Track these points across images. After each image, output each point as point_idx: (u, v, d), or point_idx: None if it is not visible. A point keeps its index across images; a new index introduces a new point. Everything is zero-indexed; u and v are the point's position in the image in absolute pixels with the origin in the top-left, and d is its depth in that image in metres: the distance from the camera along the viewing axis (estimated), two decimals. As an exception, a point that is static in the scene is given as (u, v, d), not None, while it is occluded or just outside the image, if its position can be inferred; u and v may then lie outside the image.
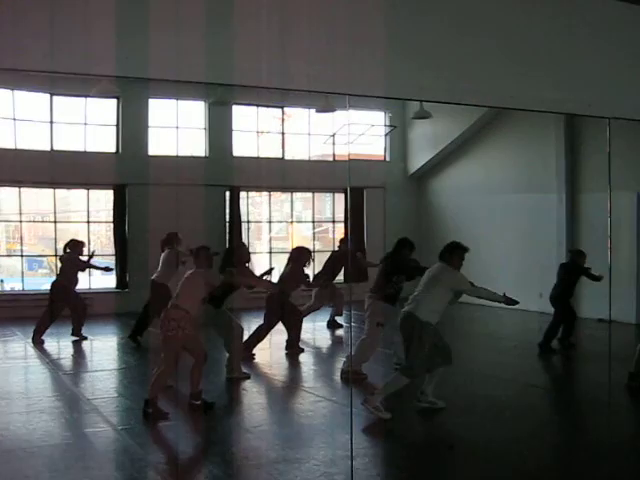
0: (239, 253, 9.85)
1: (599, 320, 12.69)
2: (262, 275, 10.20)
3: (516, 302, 8.13)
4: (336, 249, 15.59)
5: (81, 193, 17.01)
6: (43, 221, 17.82)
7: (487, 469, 6.44)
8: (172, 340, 7.82)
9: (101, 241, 18.32)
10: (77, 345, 12.47)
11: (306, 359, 11.62)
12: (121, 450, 6.99)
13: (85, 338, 12.78)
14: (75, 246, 12.94)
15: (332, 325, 14.49)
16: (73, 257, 12.85)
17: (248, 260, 9.97)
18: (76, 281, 12.92)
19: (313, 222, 19.58)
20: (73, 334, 12.80)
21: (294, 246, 14.14)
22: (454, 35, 6.01)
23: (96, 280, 16.67)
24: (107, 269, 13.97)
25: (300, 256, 11.86)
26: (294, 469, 6.35)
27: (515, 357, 11.64)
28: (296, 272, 11.75)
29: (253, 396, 9.26)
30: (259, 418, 8.36)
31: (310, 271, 13.90)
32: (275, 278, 11.74)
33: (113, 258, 16.51)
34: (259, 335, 11.50)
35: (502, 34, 6.12)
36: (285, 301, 11.64)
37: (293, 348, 11.82)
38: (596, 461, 6.63)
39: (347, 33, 5.52)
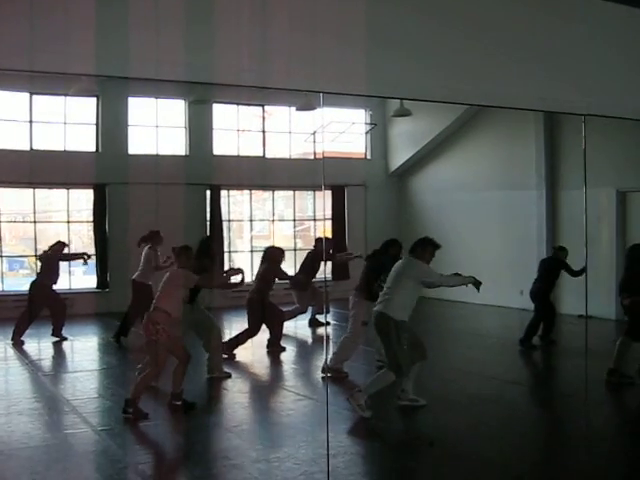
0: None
1: (579, 316, 12.75)
2: (227, 272, 10.03)
3: (481, 283, 8.16)
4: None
5: (61, 193, 16.92)
6: (24, 221, 17.70)
7: (467, 467, 6.47)
8: (155, 343, 7.79)
9: (82, 241, 18.22)
10: (57, 346, 12.41)
11: (287, 357, 11.61)
12: (101, 451, 6.96)
13: (65, 339, 12.72)
14: (58, 247, 12.87)
15: (313, 324, 14.46)
16: (52, 256, 12.78)
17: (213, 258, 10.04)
18: (56, 280, 12.84)
19: (294, 220, 19.57)
20: (53, 334, 12.74)
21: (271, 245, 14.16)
22: (434, 33, 6.02)
23: (77, 280, 16.60)
24: (84, 258, 13.52)
25: (273, 256, 11.82)
26: (274, 468, 6.37)
27: (496, 354, 11.68)
28: (271, 271, 11.71)
29: (234, 395, 9.24)
30: (240, 417, 8.35)
31: (290, 269, 13.92)
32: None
33: (94, 258, 16.44)
34: (240, 338, 11.44)
35: (480, 31, 6.14)
36: (265, 300, 11.61)
37: (274, 347, 11.81)
38: (568, 456, 6.69)
39: (327, 31, 5.51)
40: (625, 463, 6.63)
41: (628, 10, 6.44)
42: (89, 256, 14.03)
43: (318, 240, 15.54)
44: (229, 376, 9.83)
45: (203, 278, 8.70)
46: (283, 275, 12.13)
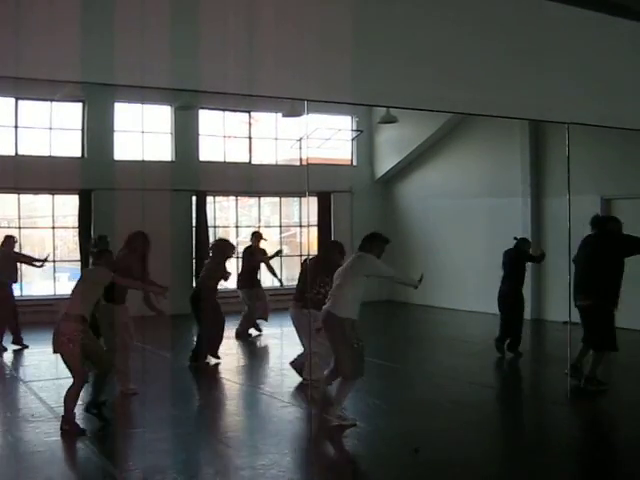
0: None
1: (564, 323, 12.80)
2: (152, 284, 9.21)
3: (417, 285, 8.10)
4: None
5: (46, 198, 16.86)
6: (8, 227, 17.59)
7: (452, 473, 6.49)
8: (67, 355, 7.52)
9: (67, 246, 18.15)
10: (41, 352, 12.31)
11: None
12: (85, 459, 6.93)
13: (26, 346, 12.52)
14: (6, 242, 12.63)
15: (251, 332, 13.95)
16: (7, 252, 12.55)
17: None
18: (14, 277, 12.66)
19: (280, 227, 19.57)
20: (14, 342, 12.53)
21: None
22: (420, 42, 6.05)
23: (61, 286, 16.52)
24: (42, 261, 13.35)
25: (220, 249, 11.26)
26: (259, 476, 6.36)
27: (480, 360, 11.69)
28: (216, 267, 11.09)
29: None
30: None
31: (233, 268, 13.61)
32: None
33: (79, 264, 16.37)
34: (205, 344, 10.95)
35: (467, 41, 6.17)
36: (207, 299, 10.86)
37: (212, 356, 11.17)
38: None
39: (313, 40, 5.53)
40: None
41: (612, 20, 6.50)
42: (46, 260, 13.66)
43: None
44: (136, 393, 9.10)
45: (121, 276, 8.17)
46: (224, 274, 11.25)
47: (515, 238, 11.81)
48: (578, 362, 9.14)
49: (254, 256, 13.91)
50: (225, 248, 11.28)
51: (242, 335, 13.62)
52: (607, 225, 9.05)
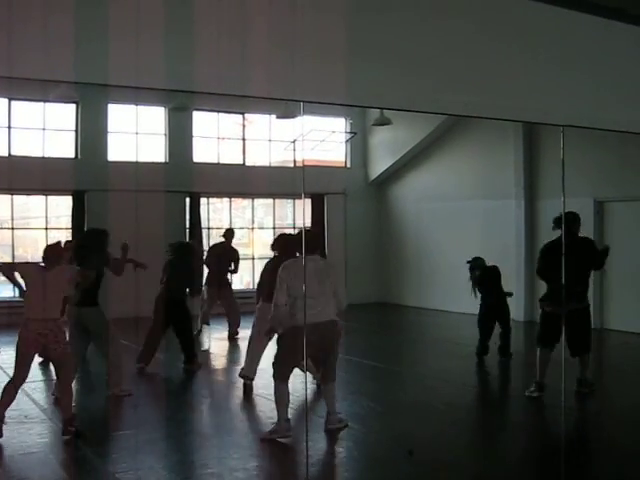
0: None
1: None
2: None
3: None
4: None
5: (40, 199, 16.83)
6: (1, 228, 17.57)
7: (445, 475, 6.49)
8: (29, 356, 7.47)
9: (60, 247, 18.11)
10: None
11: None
12: (78, 459, 6.92)
13: None
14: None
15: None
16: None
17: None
18: None
19: (274, 228, 19.57)
20: None
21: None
22: (416, 43, 6.05)
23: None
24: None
25: (186, 253, 11.15)
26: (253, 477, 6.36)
27: (473, 361, 11.70)
28: (183, 271, 10.89)
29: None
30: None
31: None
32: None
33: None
34: (148, 344, 10.72)
35: (460, 42, 6.17)
36: (176, 304, 10.67)
37: (191, 363, 10.88)
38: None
39: (307, 40, 5.53)
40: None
41: (608, 23, 6.50)
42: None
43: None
44: (130, 394, 9.13)
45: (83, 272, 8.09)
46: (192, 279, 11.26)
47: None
48: (542, 376, 9.04)
49: (224, 255, 13.89)
50: (188, 250, 11.45)
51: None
52: (572, 227, 9.01)
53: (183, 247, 11.44)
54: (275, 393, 7.39)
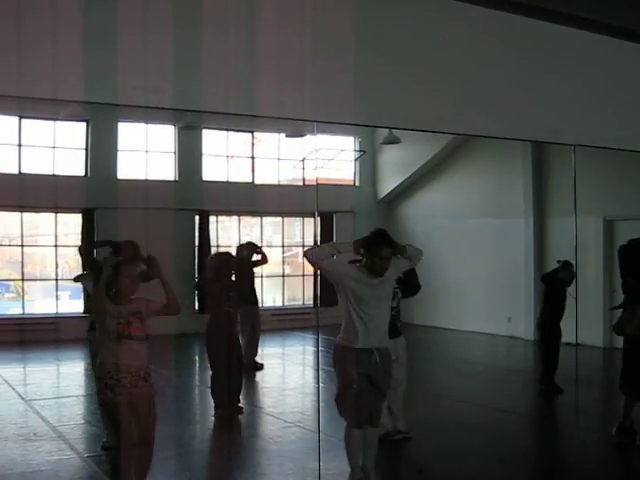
0: None
1: (567, 344, 12.77)
2: None
3: None
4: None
5: (49, 216, 16.86)
6: (10, 245, 17.62)
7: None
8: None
9: (69, 265, 18.14)
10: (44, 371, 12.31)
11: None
12: (87, 478, 6.90)
13: None
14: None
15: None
16: None
17: None
18: None
19: (283, 246, 19.57)
20: None
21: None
22: (425, 62, 6.07)
23: (63, 305, 16.51)
24: None
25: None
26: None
27: (484, 381, 11.66)
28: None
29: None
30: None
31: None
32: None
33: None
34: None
35: (471, 62, 6.19)
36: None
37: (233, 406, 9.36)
38: None
39: (316, 59, 5.55)
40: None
41: (617, 43, 6.52)
42: None
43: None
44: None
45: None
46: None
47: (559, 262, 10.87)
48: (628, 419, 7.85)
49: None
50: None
51: None
52: None
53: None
54: None
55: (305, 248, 19.17)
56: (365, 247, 6.16)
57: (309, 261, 6.34)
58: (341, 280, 6.17)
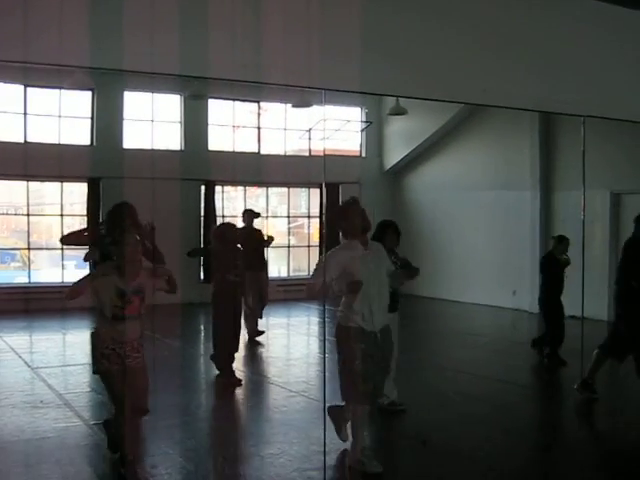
0: None
1: (571, 317, 12.77)
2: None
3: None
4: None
5: (55, 186, 16.88)
6: (16, 214, 17.67)
7: (459, 465, 6.47)
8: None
9: (75, 234, 18.17)
10: (49, 340, 12.36)
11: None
12: (93, 445, 6.94)
13: None
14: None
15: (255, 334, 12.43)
16: None
17: None
18: None
19: (288, 217, 19.57)
20: None
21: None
22: (429, 31, 6.02)
23: (69, 274, 16.54)
24: None
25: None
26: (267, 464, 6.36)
27: (489, 353, 11.66)
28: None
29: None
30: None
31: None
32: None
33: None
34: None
35: (477, 31, 6.13)
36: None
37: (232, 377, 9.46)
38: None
39: (323, 28, 5.50)
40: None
41: (629, 12, 6.45)
42: None
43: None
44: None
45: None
46: None
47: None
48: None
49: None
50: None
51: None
52: None
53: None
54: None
55: (311, 219, 19.21)
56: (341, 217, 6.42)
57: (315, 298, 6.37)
58: (342, 269, 6.16)
